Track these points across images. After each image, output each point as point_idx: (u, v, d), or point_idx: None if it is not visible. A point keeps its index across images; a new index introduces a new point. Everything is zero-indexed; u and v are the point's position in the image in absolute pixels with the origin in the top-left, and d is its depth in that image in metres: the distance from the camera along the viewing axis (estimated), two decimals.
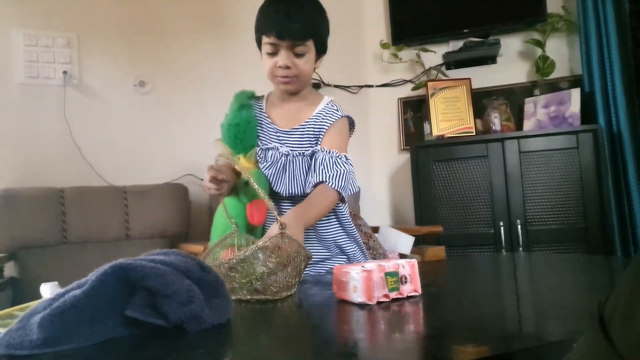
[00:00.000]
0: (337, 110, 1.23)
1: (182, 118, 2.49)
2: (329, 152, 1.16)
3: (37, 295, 0.73)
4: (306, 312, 0.82)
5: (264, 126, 1.24)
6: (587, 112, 2.46)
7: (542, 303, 0.79)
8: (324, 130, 1.19)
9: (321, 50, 1.19)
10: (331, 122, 1.20)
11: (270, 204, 0.88)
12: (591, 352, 0.34)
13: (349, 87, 2.92)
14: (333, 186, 1.11)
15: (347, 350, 0.56)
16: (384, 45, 2.87)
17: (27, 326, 0.56)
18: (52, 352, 0.55)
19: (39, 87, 2.18)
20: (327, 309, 0.80)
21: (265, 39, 1.13)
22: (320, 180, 1.12)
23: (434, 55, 2.83)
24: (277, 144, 1.21)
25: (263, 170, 1.19)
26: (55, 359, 0.54)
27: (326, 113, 1.22)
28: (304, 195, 1.17)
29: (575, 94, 2.47)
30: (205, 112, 2.52)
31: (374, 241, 1.90)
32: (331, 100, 1.26)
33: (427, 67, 2.86)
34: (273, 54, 1.13)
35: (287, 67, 1.12)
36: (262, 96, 1.31)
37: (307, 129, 1.21)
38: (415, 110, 2.92)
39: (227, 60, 2.61)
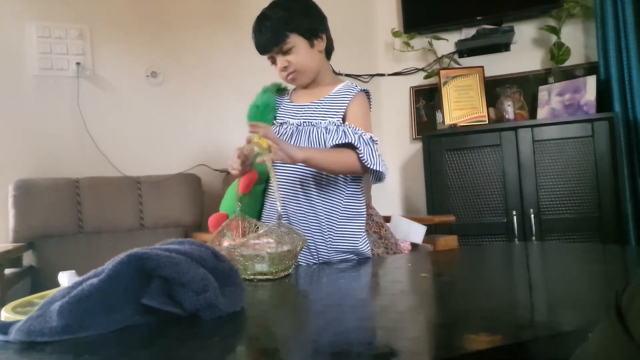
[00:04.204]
0: (357, 86, 1.27)
1: (194, 108, 2.50)
2: (359, 130, 1.18)
3: (55, 284, 0.75)
4: (318, 301, 0.82)
5: (282, 106, 1.32)
6: (603, 100, 2.42)
7: (555, 292, 0.78)
8: (344, 106, 1.22)
9: (311, 34, 1.23)
10: (350, 97, 1.23)
11: (277, 194, 1.00)
12: (607, 341, 0.34)
13: (360, 75, 2.91)
14: (362, 157, 1.13)
15: (361, 338, 0.57)
16: (395, 34, 2.84)
17: (47, 313, 0.57)
18: (72, 338, 0.56)
19: (52, 78, 2.20)
20: (340, 298, 0.80)
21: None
22: (351, 143, 1.14)
23: (447, 43, 2.80)
24: (290, 119, 1.27)
25: None
26: (75, 346, 0.55)
27: (345, 90, 1.26)
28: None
29: (591, 81, 2.42)
30: (218, 102, 2.52)
31: (385, 231, 1.90)
32: (349, 82, 1.31)
33: (439, 55, 2.83)
34: (274, 63, 1.26)
35: (285, 67, 1.23)
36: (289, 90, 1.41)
37: (323, 104, 1.25)
38: (427, 99, 2.89)
39: (239, 50, 2.60)
